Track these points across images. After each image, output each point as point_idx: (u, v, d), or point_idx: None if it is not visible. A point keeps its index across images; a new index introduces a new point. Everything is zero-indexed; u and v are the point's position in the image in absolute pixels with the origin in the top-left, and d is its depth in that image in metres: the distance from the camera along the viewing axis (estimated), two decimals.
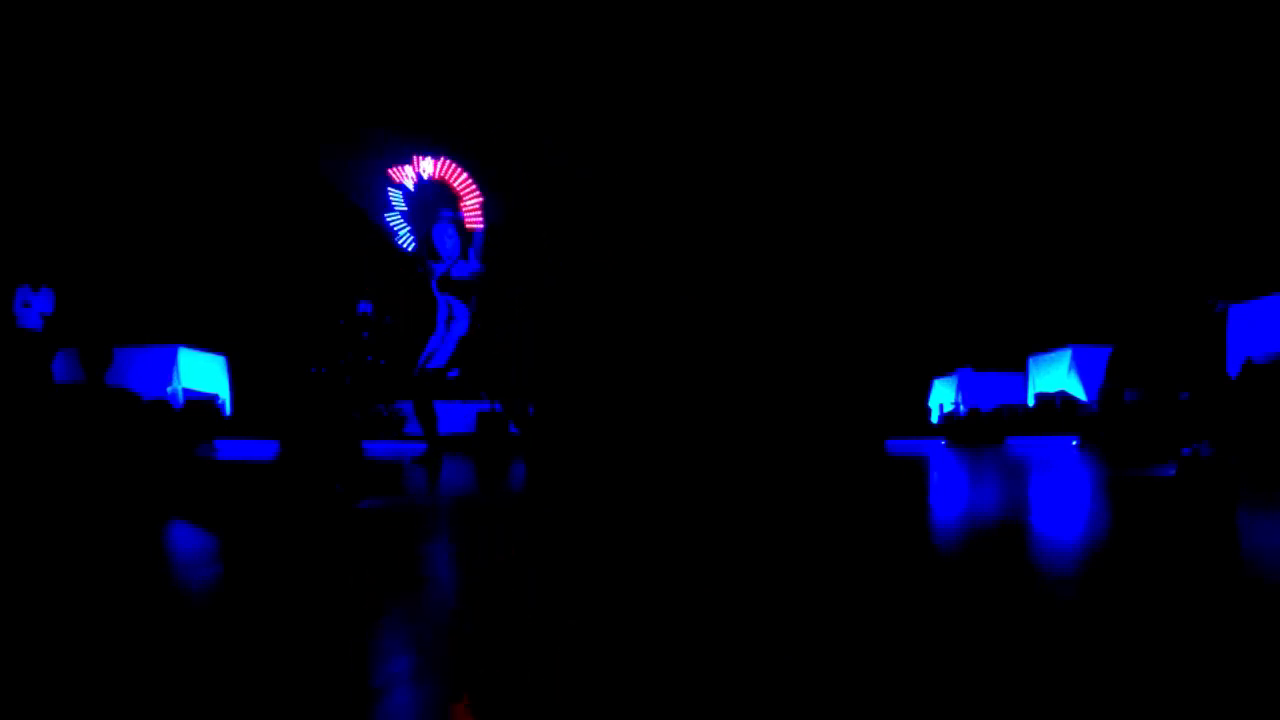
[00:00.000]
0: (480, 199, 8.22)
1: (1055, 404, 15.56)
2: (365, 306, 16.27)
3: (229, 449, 10.81)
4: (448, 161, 8.30)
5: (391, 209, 8.38)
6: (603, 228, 17.46)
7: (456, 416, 15.75)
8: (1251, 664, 1.38)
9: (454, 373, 7.95)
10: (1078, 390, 15.33)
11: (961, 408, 17.53)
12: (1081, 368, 15.38)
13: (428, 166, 8.26)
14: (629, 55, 16.18)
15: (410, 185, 8.22)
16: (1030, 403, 16.72)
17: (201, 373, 14.89)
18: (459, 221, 8.02)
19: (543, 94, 16.02)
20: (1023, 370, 17.57)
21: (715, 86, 16.57)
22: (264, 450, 10.61)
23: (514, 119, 15.72)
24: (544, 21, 15.64)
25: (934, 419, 18.95)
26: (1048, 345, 16.61)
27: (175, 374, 14.08)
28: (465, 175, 8.27)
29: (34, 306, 7.60)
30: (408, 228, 8.34)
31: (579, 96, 15.97)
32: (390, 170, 8.33)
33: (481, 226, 8.10)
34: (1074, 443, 12.65)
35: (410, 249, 8.37)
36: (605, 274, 17.61)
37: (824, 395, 13.47)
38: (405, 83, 15.81)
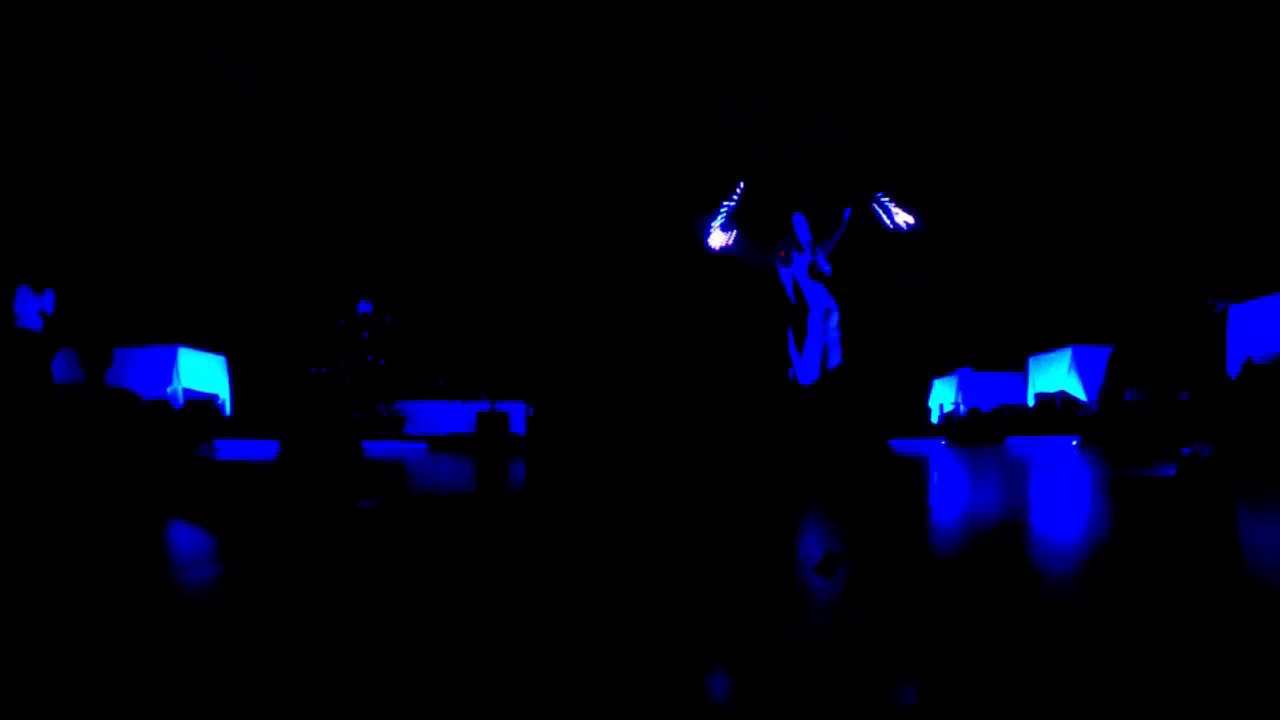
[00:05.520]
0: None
1: (1055, 404, 15.55)
2: (365, 306, 16.26)
3: (229, 449, 10.80)
4: None
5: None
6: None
7: (457, 416, 15.75)
8: (1251, 661, 1.38)
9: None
10: (1078, 390, 15.31)
11: (961, 408, 17.52)
12: (1081, 368, 15.36)
13: None
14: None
15: None
16: (1030, 403, 16.71)
17: (201, 373, 14.87)
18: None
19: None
20: (1023, 370, 17.57)
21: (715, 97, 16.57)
22: (264, 450, 10.60)
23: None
24: None
25: (934, 419, 18.94)
26: (1048, 345, 16.60)
27: (175, 374, 14.06)
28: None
29: (34, 306, 7.59)
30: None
31: None
32: None
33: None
34: (1074, 443, 12.64)
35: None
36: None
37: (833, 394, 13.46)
38: None
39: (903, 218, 7.06)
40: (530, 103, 17.21)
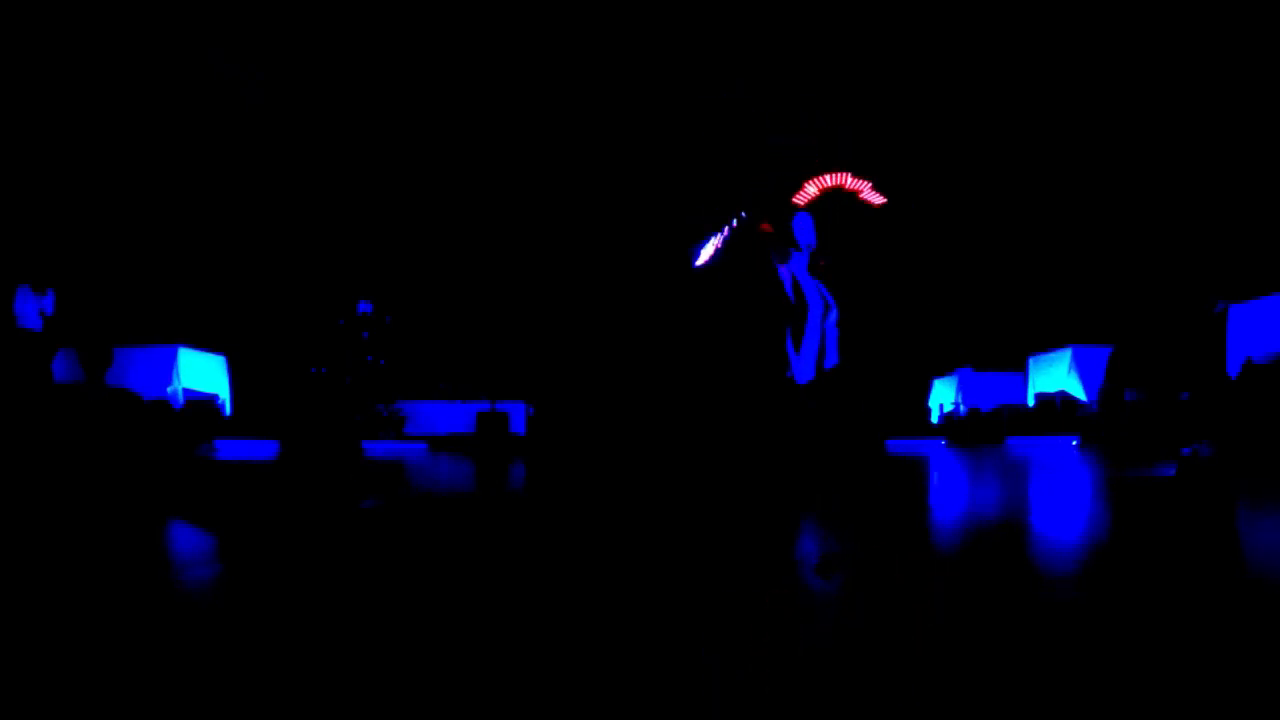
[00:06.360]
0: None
1: (1055, 404, 15.54)
2: (365, 306, 16.26)
3: (229, 449, 10.79)
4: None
5: None
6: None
7: (457, 416, 15.75)
8: (1250, 659, 1.38)
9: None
10: (1078, 390, 15.31)
11: (961, 408, 17.52)
12: (1081, 368, 15.36)
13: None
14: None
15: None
16: (1030, 403, 16.71)
17: (201, 373, 14.87)
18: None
19: None
20: (1023, 370, 17.57)
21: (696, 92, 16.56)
22: (264, 450, 10.60)
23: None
24: None
25: (934, 419, 18.94)
26: (1048, 345, 16.60)
27: (175, 374, 14.05)
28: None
29: (34, 306, 7.58)
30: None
31: None
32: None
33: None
34: (1074, 443, 12.64)
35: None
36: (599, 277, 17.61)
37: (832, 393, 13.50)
38: None
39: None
40: (530, 104, 17.21)
